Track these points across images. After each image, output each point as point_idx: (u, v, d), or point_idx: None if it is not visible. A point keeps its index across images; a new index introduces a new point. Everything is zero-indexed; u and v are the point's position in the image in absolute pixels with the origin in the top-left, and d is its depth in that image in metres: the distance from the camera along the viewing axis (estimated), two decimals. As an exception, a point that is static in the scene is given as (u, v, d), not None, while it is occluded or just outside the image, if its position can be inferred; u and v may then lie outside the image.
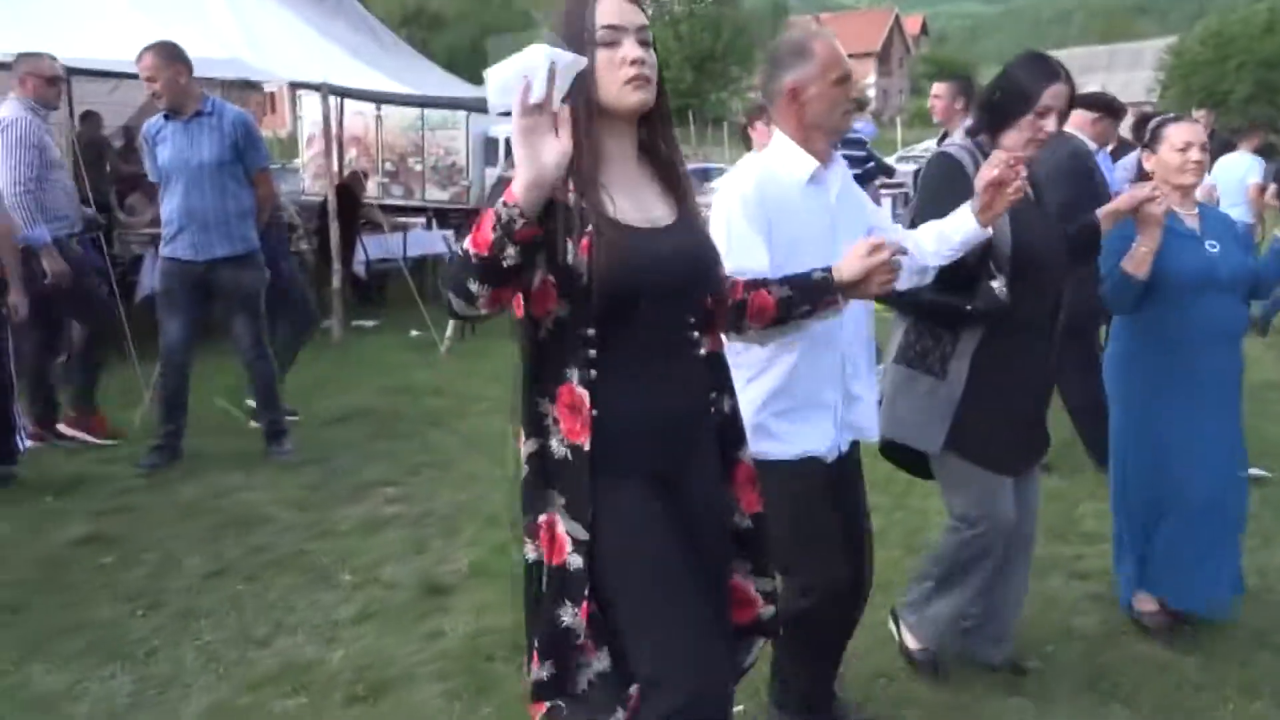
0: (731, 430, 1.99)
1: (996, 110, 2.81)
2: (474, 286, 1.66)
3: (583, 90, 1.72)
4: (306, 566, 3.85)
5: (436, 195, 16.26)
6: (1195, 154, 3.18)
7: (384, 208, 11.59)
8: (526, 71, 1.56)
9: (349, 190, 9.84)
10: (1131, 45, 47.06)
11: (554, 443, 1.82)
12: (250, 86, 7.16)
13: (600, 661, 1.81)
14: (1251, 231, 8.29)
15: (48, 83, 5.21)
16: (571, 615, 1.78)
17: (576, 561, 1.79)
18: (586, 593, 1.78)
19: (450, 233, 10.77)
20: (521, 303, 1.81)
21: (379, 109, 14.22)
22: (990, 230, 2.49)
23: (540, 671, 1.81)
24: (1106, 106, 5.15)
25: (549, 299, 1.79)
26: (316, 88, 8.20)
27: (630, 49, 1.80)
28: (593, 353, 1.80)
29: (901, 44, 66.71)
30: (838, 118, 2.47)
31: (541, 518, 1.83)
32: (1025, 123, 2.73)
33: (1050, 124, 2.73)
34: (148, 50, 4.80)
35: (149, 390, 5.44)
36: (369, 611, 3.48)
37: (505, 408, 5.95)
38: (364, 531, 4.18)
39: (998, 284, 2.69)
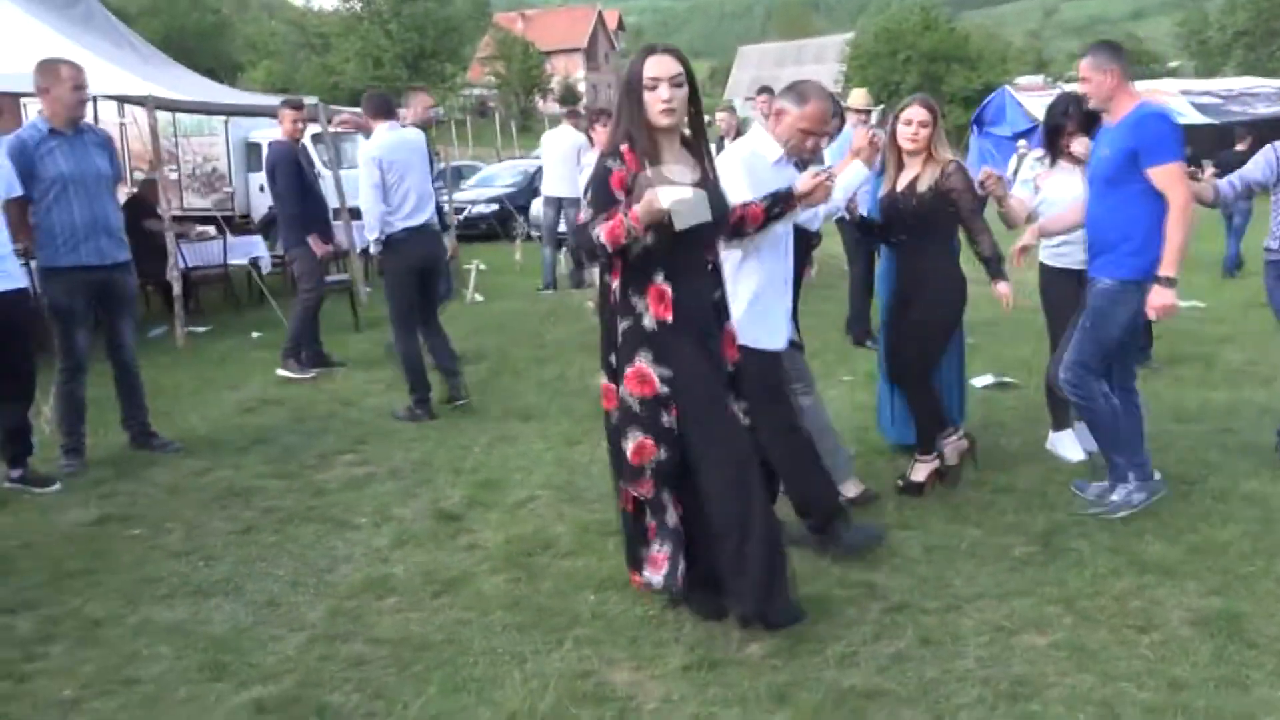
0: (725, 310, 3.37)
1: None
2: (604, 256, 3.10)
3: (641, 112, 3.10)
4: (321, 518, 4.50)
5: (197, 203, 15.99)
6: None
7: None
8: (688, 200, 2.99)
9: (143, 200, 9.89)
10: (817, 40, 51.84)
11: (646, 320, 3.12)
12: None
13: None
14: None
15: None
16: (668, 418, 3.14)
17: (665, 389, 3.12)
18: (673, 405, 3.13)
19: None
20: None
21: (121, 115, 13.96)
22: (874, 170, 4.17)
23: (658, 455, 3.18)
24: None
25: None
26: (142, 101, 8.34)
27: (663, 91, 3.08)
28: (667, 266, 3.13)
29: (606, 39, 69.44)
30: (789, 146, 3.83)
31: (630, 368, 3.14)
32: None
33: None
34: (77, 66, 5.14)
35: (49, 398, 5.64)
36: (403, 539, 4.23)
37: (399, 389, 6.69)
38: (352, 488, 4.86)
39: None
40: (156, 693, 3.08)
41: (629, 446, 3.19)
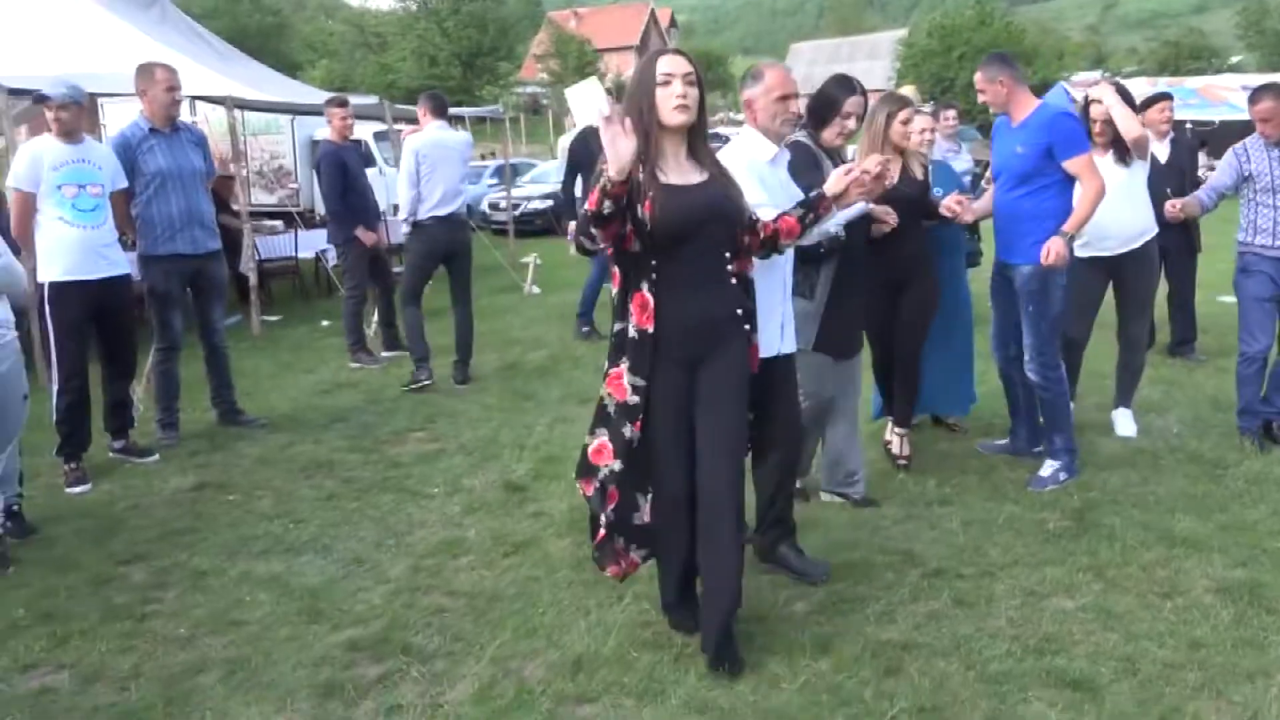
0: (751, 323, 3.22)
1: (815, 113, 4.24)
2: (593, 230, 2.90)
3: (651, 111, 3.03)
4: (397, 487, 4.85)
5: (262, 199, 16.50)
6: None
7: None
8: (594, 97, 2.89)
9: (216, 195, 10.35)
10: (869, 37, 51.60)
11: (630, 327, 3.09)
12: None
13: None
14: None
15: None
16: (630, 431, 3.12)
17: (635, 399, 3.11)
18: (640, 416, 3.11)
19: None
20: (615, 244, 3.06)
21: (194, 113, 14.48)
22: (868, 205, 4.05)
23: (611, 464, 3.17)
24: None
25: (629, 241, 3.04)
26: (220, 101, 8.78)
27: (677, 87, 3.02)
28: (654, 274, 3.06)
29: (659, 36, 69.64)
30: (778, 125, 3.64)
31: (614, 370, 3.13)
32: (835, 121, 4.19)
33: (850, 123, 4.22)
34: (171, 69, 5.55)
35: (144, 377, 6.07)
36: (474, 507, 4.57)
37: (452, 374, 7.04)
38: (424, 462, 5.21)
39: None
40: (261, 632, 3.44)
41: (593, 443, 3.22)
